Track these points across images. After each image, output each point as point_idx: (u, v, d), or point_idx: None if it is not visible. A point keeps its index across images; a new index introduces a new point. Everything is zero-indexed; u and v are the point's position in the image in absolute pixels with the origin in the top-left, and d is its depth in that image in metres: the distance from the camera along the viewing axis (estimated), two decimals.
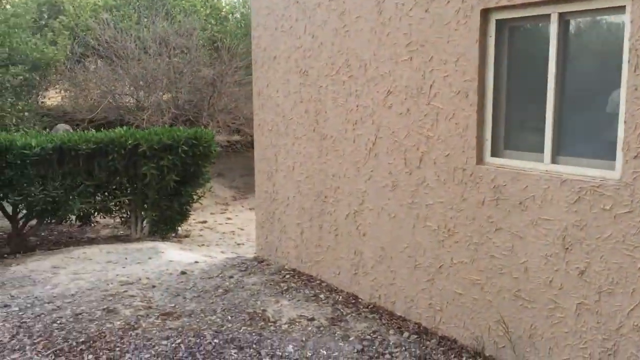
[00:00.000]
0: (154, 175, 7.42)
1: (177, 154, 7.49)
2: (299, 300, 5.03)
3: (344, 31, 4.94)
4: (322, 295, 5.14)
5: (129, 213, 7.97)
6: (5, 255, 6.82)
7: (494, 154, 3.91)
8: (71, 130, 12.79)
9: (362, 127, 4.84)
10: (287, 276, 5.68)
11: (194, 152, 7.66)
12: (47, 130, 11.71)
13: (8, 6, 9.95)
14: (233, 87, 12.20)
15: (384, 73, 4.56)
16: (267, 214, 6.25)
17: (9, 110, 9.51)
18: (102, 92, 12.07)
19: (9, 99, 9.56)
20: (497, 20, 3.80)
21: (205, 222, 10.02)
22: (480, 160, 3.93)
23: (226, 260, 6.44)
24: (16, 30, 9.72)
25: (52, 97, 14.31)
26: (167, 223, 7.93)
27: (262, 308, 4.86)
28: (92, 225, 8.13)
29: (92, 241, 8.02)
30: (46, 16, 12.51)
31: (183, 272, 5.92)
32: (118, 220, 8.49)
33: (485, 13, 3.81)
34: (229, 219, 10.58)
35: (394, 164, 4.54)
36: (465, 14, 3.87)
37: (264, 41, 6.04)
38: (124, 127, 7.66)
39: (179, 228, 8.23)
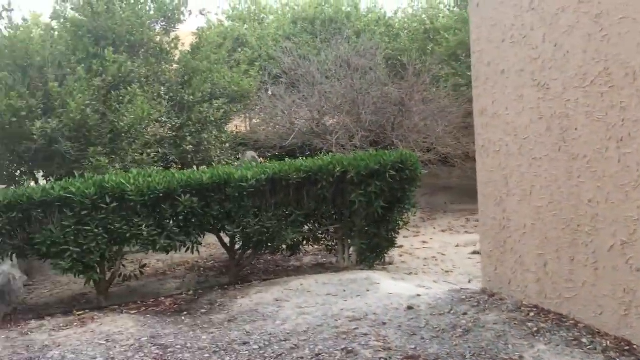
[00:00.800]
0: (362, 203, 7.20)
1: (384, 180, 7.21)
2: (558, 345, 4.41)
3: (601, 36, 4.29)
4: (584, 340, 4.46)
5: (335, 241, 7.85)
6: (226, 286, 6.97)
7: None
8: (257, 157, 13.26)
9: (631, 144, 4.14)
10: (531, 314, 5.07)
11: (400, 176, 7.34)
12: (239, 157, 12.22)
13: (206, 43, 10.47)
14: (420, 105, 11.80)
15: None
16: (495, 243, 5.70)
17: (214, 143, 9.99)
18: (290, 118, 12.32)
19: (213, 132, 10.03)
20: None
21: (402, 246, 9.62)
22: None
23: (451, 293, 5.97)
24: (216, 65, 10.22)
25: (239, 126, 15.01)
26: (373, 251, 7.67)
27: (517, 354, 4.32)
28: (299, 254, 8.12)
29: (298, 269, 8.00)
30: (240, 50, 13.12)
31: (410, 307, 5.55)
32: (317, 247, 8.43)
33: None
34: (424, 242, 10.12)
35: None
36: None
37: (487, 55, 5.55)
38: (330, 154, 7.58)
39: (386, 255, 7.93)
